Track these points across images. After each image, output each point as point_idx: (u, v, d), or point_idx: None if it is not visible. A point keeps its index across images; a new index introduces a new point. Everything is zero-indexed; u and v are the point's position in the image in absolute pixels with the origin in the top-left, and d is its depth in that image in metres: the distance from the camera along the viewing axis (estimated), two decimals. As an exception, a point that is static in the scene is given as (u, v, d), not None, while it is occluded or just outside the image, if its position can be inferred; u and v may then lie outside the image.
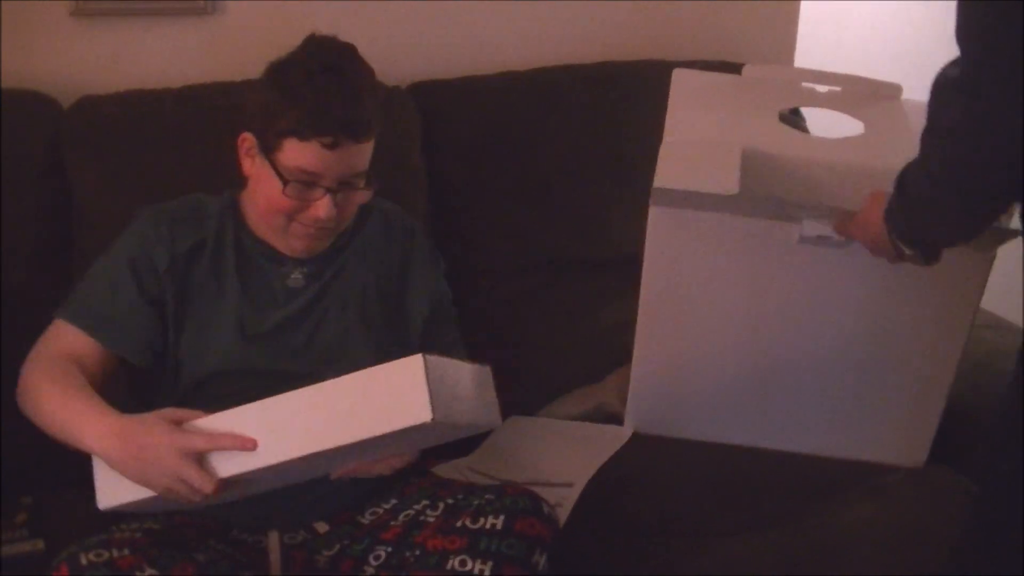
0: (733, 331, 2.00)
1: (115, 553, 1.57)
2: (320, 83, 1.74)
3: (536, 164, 2.39)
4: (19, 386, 1.80)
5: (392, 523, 1.80)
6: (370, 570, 1.77)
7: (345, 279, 1.93)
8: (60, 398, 1.71)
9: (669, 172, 1.85)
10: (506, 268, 2.41)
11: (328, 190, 1.79)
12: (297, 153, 1.76)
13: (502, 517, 1.67)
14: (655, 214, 1.91)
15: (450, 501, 1.76)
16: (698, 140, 1.94)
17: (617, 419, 2.26)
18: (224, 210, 1.91)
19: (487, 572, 1.62)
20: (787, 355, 2.01)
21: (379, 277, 1.97)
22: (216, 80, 2.22)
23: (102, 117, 2.15)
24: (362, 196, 1.85)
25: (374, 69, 1.85)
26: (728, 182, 1.80)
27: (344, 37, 1.78)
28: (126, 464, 1.62)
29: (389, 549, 1.77)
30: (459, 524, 1.68)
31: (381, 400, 1.54)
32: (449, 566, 1.64)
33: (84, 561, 1.55)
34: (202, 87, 2.22)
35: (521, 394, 2.33)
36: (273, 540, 1.76)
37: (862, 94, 2.13)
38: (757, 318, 1.98)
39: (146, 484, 1.62)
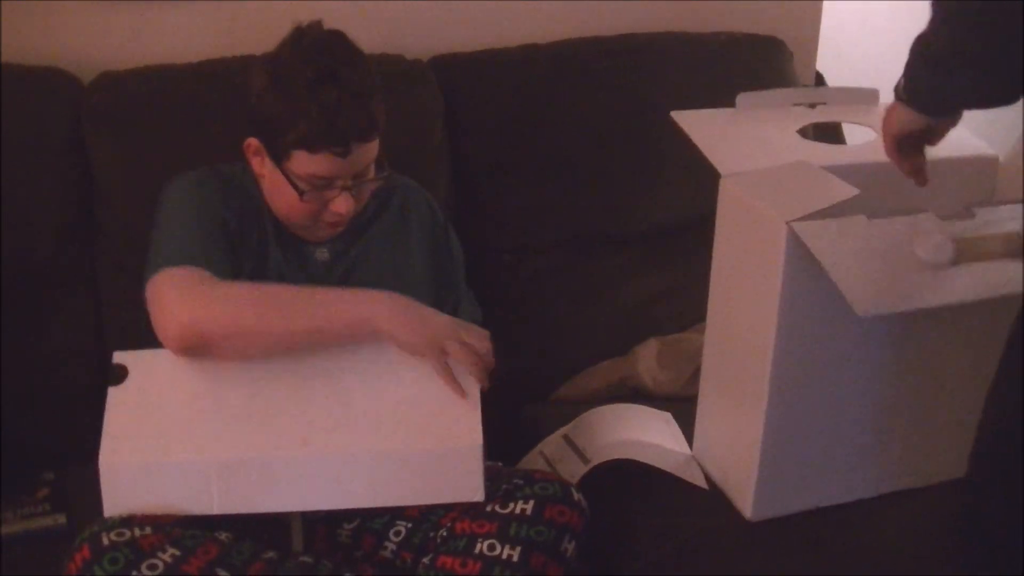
0: (864, 368, 1.85)
1: (137, 532, 1.57)
2: (323, 95, 1.72)
3: (559, 138, 2.37)
4: (201, 323, 1.70)
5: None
6: (391, 547, 1.77)
7: (372, 258, 1.95)
8: (300, 294, 1.75)
9: (775, 204, 1.75)
10: (529, 244, 2.39)
11: (344, 188, 1.80)
12: (308, 163, 1.77)
13: (532, 503, 1.66)
14: (793, 231, 1.70)
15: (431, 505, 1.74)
16: (762, 168, 1.86)
17: (642, 392, 2.26)
18: (249, 181, 1.91)
19: (516, 557, 1.61)
20: (909, 385, 1.88)
21: (405, 255, 1.98)
22: (237, 55, 2.21)
23: (122, 93, 2.15)
24: (376, 182, 1.86)
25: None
26: (841, 187, 1.73)
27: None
28: (413, 324, 1.69)
29: (409, 525, 1.76)
30: (488, 509, 1.67)
31: (437, 476, 1.68)
32: (477, 550, 1.63)
33: (106, 541, 1.55)
34: (222, 62, 2.21)
35: (546, 369, 2.34)
36: (295, 515, 1.76)
37: (848, 102, 2.09)
38: (883, 351, 1.84)
39: (427, 346, 1.68)
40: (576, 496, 1.70)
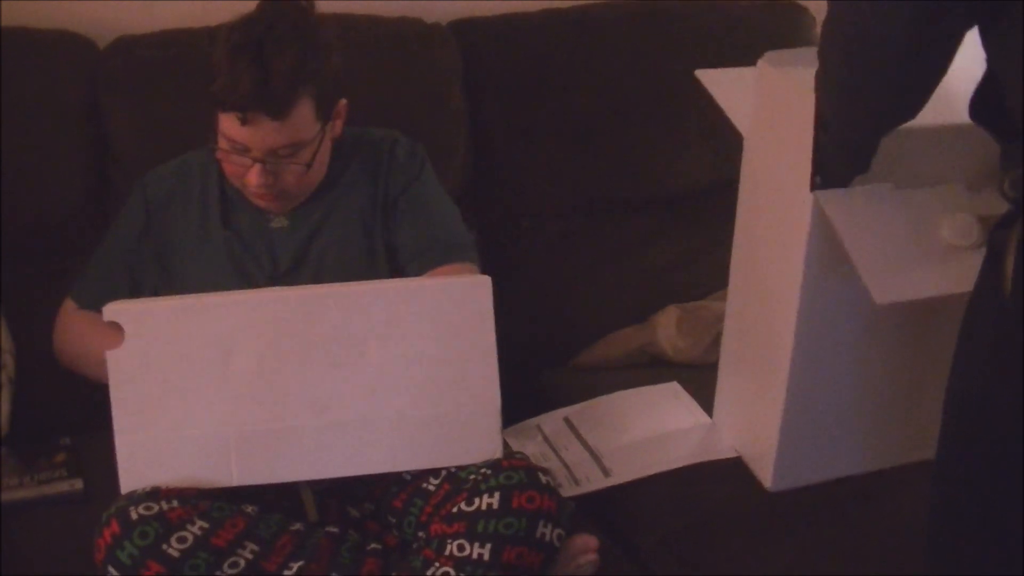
0: (886, 339, 1.84)
1: (164, 506, 1.57)
2: (236, 60, 1.75)
3: (579, 103, 2.35)
4: (56, 347, 1.96)
5: (399, 491, 1.78)
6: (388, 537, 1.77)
7: (340, 214, 1.94)
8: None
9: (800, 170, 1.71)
10: (549, 209, 2.38)
11: (256, 160, 1.81)
12: (223, 121, 1.82)
13: (498, 495, 1.63)
14: (820, 201, 1.67)
15: (452, 469, 1.72)
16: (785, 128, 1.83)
17: (661, 360, 2.25)
18: (210, 161, 1.94)
19: (486, 556, 1.59)
20: (930, 356, 1.81)
21: (374, 207, 1.96)
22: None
23: (138, 57, 2.13)
24: (297, 169, 1.85)
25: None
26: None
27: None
28: None
29: (393, 520, 1.77)
30: (455, 509, 1.64)
31: (455, 438, 1.69)
32: (448, 551, 1.61)
33: (134, 515, 1.55)
34: (238, 27, 2.18)
35: (564, 335, 2.34)
36: (304, 487, 1.75)
37: None
38: (906, 322, 1.82)
39: None
40: (544, 479, 1.67)
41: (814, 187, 1.65)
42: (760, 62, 1.84)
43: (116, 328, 1.63)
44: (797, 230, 1.70)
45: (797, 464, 1.87)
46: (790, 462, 1.86)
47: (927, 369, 1.84)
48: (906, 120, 1.50)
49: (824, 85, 1.55)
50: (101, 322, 1.70)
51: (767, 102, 1.78)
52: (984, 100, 1.44)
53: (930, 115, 1.60)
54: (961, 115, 1.60)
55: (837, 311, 1.77)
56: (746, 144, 1.85)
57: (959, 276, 1.63)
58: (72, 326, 1.95)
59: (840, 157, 1.62)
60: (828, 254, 1.69)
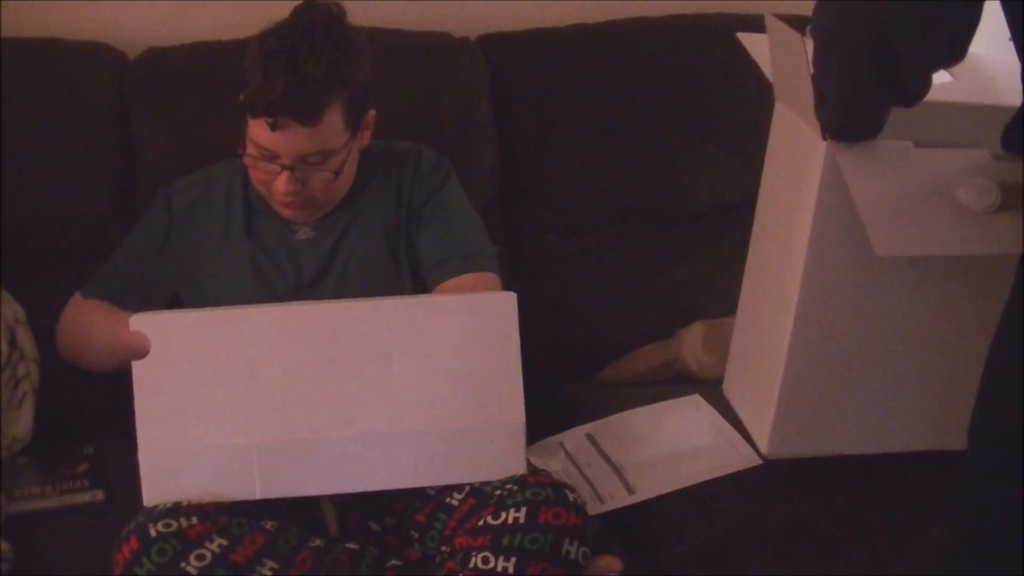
0: (894, 314, 1.81)
1: (183, 522, 1.57)
2: (271, 64, 1.76)
3: (606, 118, 2.36)
4: (57, 336, 1.97)
5: (422, 506, 1.77)
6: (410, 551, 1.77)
7: (362, 224, 1.95)
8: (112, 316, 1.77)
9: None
10: (575, 222, 2.38)
11: (284, 167, 1.81)
12: (253, 127, 1.82)
13: (524, 510, 1.62)
14: (833, 150, 1.66)
15: (476, 484, 1.71)
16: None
17: (685, 376, 2.25)
18: (235, 171, 1.96)
19: (511, 569, 1.59)
20: (941, 340, 1.82)
21: (398, 217, 1.97)
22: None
23: (167, 68, 2.15)
24: (325, 176, 1.85)
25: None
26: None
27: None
28: None
29: (416, 535, 1.76)
30: (481, 523, 1.64)
31: (479, 454, 1.69)
32: (472, 564, 1.61)
33: (153, 532, 1.55)
34: (266, 38, 2.20)
35: (590, 349, 2.34)
36: (326, 501, 1.75)
37: None
38: (915, 295, 1.80)
39: None
40: (571, 496, 1.66)
41: (825, 137, 1.65)
42: (767, 15, 1.83)
43: (118, 313, 1.67)
44: (810, 179, 1.69)
45: (794, 433, 1.86)
46: (787, 430, 1.85)
47: (938, 355, 1.82)
48: (903, 106, 1.50)
49: (817, 63, 1.55)
50: (102, 307, 1.72)
51: (779, 54, 1.78)
52: (1017, 130, 1.43)
53: (965, 93, 1.59)
54: (997, 99, 1.58)
55: (845, 269, 1.75)
56: (777, 102, 1.86)
57: (968, 239, 1.64)
58: (72, 312, 1.97)
59: (839, 127, 1.62)
60: (840, 208, 1.68)
